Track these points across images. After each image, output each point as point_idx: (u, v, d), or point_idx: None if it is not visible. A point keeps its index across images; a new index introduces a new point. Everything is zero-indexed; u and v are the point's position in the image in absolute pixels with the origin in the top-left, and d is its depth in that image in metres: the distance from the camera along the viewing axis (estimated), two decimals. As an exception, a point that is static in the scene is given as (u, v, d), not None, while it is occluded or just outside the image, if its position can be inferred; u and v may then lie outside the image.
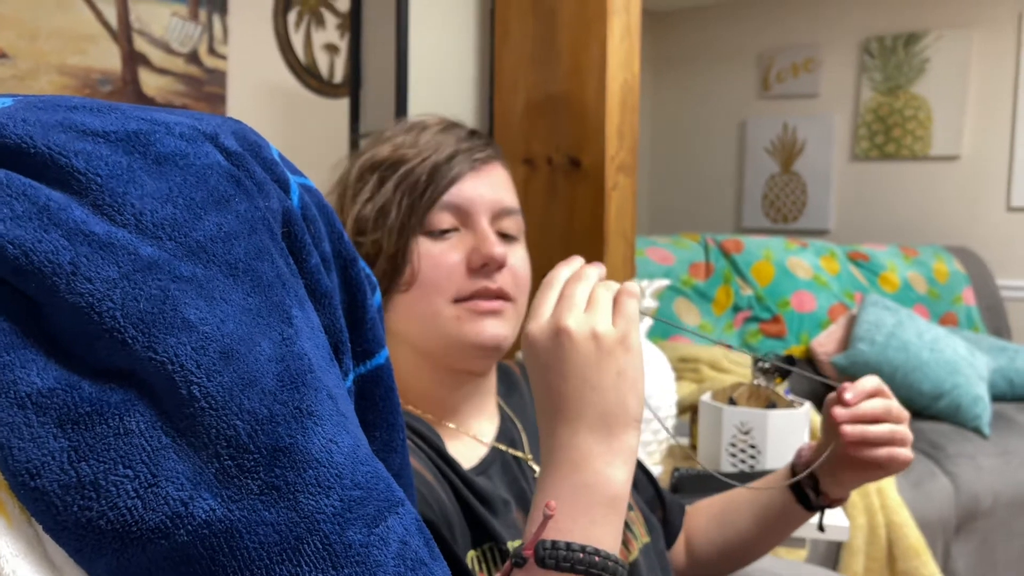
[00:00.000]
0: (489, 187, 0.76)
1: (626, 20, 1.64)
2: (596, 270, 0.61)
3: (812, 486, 0.83)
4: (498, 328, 0.74)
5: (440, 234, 0.74)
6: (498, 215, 0.76)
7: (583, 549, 0.52)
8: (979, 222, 3.28)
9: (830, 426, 0.77)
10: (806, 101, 3.64)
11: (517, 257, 0.77)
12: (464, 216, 0.75)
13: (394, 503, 0.37)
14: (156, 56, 1.90)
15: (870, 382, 0.76)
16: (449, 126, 0.79)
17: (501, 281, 0.74)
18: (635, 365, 0.56)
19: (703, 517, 0.94)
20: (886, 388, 0.77)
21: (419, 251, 0.73)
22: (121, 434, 0.32)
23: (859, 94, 3.51)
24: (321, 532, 0.34)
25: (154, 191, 0.36)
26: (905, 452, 0.75)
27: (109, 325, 0.33)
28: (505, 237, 0.77)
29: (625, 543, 0.76)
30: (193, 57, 1.97)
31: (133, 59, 1.88)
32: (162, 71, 1.92)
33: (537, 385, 0.58)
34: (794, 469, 0.85)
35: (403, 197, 0.74)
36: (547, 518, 0.52)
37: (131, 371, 0.33)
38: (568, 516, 0.54)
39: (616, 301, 0.58)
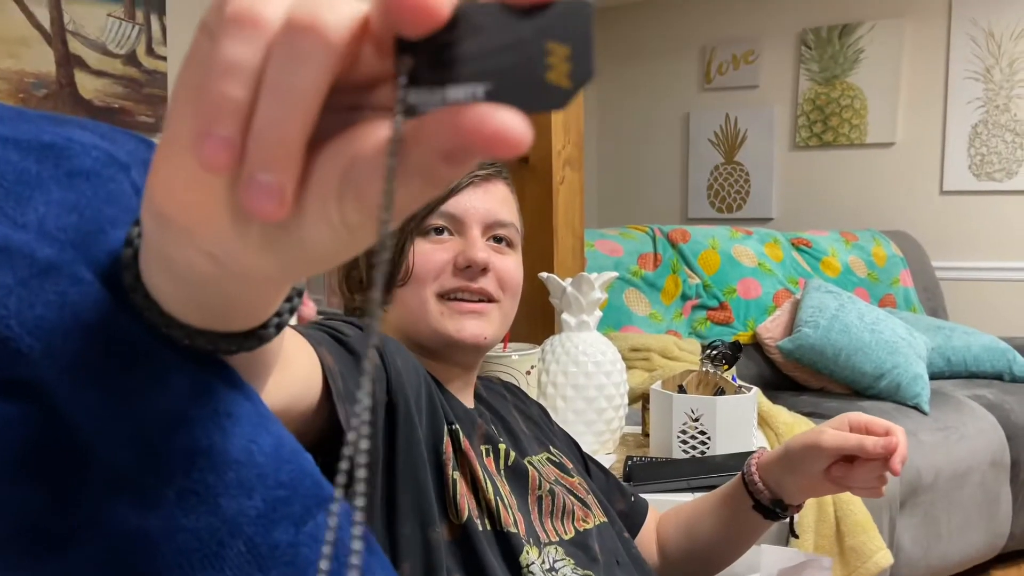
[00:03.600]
0: (485, 200, 0.84)
1: (568, 16, 1.65)
2: None
3: (771, 495, 0.90)
4: (478, 328, 0.82)
5: (434, 235, 0.83)
6: (491, 226, 0.85)
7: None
8: (914, 206, 3.38)
9: (816, 450, 0.83)
10: (747, 92, 3.71)
11: (507, 263, 0.85)
12: (458, 224, 0.83)
13: (323, 499, 0.37)
14: (92, 58, 1.86)
15: (901, 437, 0.81)
16: None
17: (484, 283, 0.82)
18: None
19: (671, 525, 1.01)
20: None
21: (415, 249, 0.82)
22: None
23: (797, 85, 3.59)
24: (245, 535, 0.33)
25: (61, 199, 0.34)
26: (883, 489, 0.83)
27: (3, 334, 0.31)
28: (500, 242, 0.86)
29: (584, 517, 0.82)
30: (131, 58, 1.94)
31: (69, 61, 1.83)
32: (99, 73, 1.88)
33: None
34: (744, 477, 0.91)
35: None
36: None
37: (29, 381, 0.31)
38: None
39: None
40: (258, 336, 0.34)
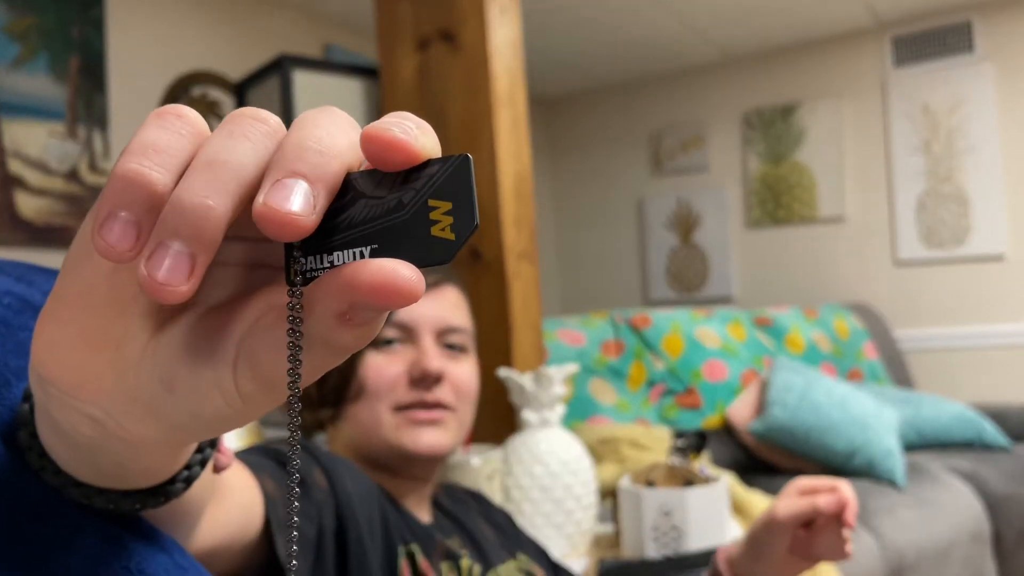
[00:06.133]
0: (435, 307, 0.83)
1: (513, 113, 1.67)
2: None
3: None
4: (434, 438, 0.80)
5: (385, 345, 0.81)
6: (443, 332, 0.83)
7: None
8: (871, 278, 3.43)
9: (774, 525, 0.80)
10: (697, 176, 3.79)
11: (462, 369, 0.84)
12: (410, 333, 0.82)
13: None
14: (33, 177, 1.83)
15: (847, 491, 0.79)
16: None
17: (440, 393, 0.81)
18: None
19: None
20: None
21: (365, 362, 0.80)
22: None
23: (746, 165, 3.68)
24: None
25: None
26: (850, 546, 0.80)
27: None
28: (453, 348, 0.84)
29: None
30: (73, 175, 1.90)
31: (8, 183, 1.80)
32: (40, 192, 1.85)
33: None
34: (716, 569, 0.87)
35: None
36: None
37: None
38: None
39: None
40: (164, 492, 0.32)
